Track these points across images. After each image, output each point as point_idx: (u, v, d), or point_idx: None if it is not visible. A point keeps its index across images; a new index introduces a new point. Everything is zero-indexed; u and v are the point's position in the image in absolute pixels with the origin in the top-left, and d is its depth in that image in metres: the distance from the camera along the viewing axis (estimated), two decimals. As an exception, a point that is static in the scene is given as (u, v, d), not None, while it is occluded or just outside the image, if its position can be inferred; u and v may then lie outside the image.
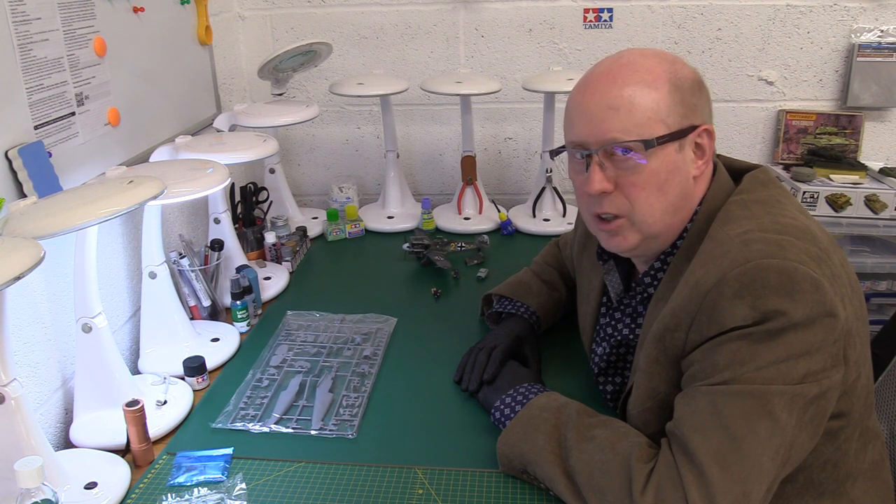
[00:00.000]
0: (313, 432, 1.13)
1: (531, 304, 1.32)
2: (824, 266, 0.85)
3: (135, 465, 1.07)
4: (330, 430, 1.13)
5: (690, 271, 0.89)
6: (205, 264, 1.46)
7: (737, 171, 1.01)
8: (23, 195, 1.08)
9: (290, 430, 1.14)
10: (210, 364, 1.29)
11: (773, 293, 0.82)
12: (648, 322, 0.99)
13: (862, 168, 1.94)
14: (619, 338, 1.10)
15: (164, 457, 1.08)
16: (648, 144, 0.92)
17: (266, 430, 1.14)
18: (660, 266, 1.01)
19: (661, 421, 0.92)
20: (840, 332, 0.84)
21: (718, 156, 1.02)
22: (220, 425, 1.15)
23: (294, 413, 1.18)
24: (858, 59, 1.94)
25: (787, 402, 0.82)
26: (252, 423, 1.15)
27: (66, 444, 1.16)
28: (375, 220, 1.98)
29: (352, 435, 1.12)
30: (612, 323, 1.12)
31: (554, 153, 1.06)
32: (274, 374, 1.29)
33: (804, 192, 1.86)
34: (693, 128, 0.94)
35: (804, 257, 0.84)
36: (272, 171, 1.94)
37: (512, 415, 1.06)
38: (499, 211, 1.95)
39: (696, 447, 0.82)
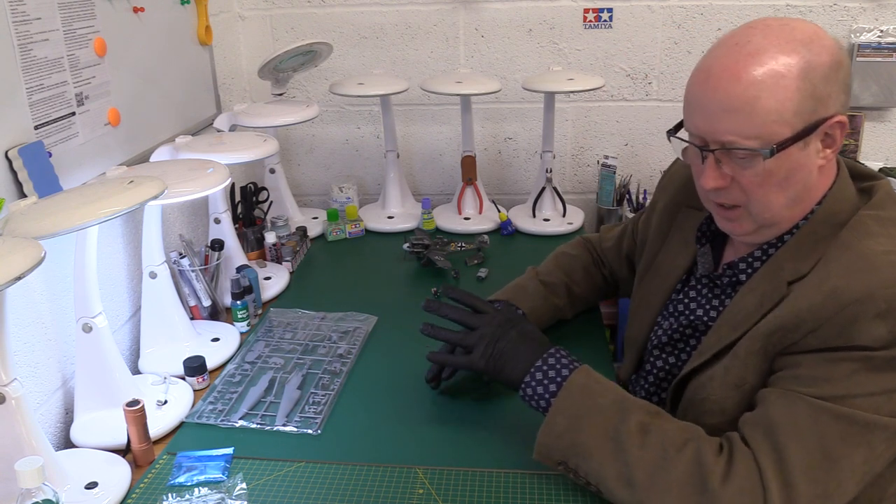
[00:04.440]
0: (276, 428, 1.14)
1: (522, 306, 1.31)
2: None
3: (135, 465, 1.07)
4: (294, 427, 1.14)
5: (824, 277, 0.88)
6: (205, 264, 1.46)
7: (858, 176, 0.99)
8: (23, 195, 1.08)
9: (255, 426, 1.14)
10: (210, 364, 1.29)
11: None
12: (733, 309, 0.98)
13: (862, 168, 1.94)
14: (690, 317, 1.08)
15: (164, 456, 1.08)
16: (767, 154, 0.89)
17: (234, 425, 1.15)
18: (759, 255, 1.00)
19: (740, 411, 0.92)
20: None
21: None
22: (190, 420, 1.16)
23: (261, 409, 1.19)
24: (858, 59, 1.94)
25: (889, 437, 0.83)
26: (218, 419, 1.16)
27: (67, 443, 1.16)
28: (375, 220, 1.98)
29: (315, 432, 1.13)
30: (686, 301, 1.10)
31: (672, 132, 1.01)
32: (247, 370, 1.30)
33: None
34: (823, 121, 0.89)
35: None
36: (272, 171, 1.94)
37: (547, 395, 0.99)
38: (499, 211, 1.95)
39: (791, 456, 0.82)
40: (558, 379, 0.99)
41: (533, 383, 1.01)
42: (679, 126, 1.00)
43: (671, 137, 1.02)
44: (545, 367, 1.01)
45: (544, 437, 0.96)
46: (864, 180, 0.99)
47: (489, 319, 1.09)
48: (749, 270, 1.01)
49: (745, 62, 0.89)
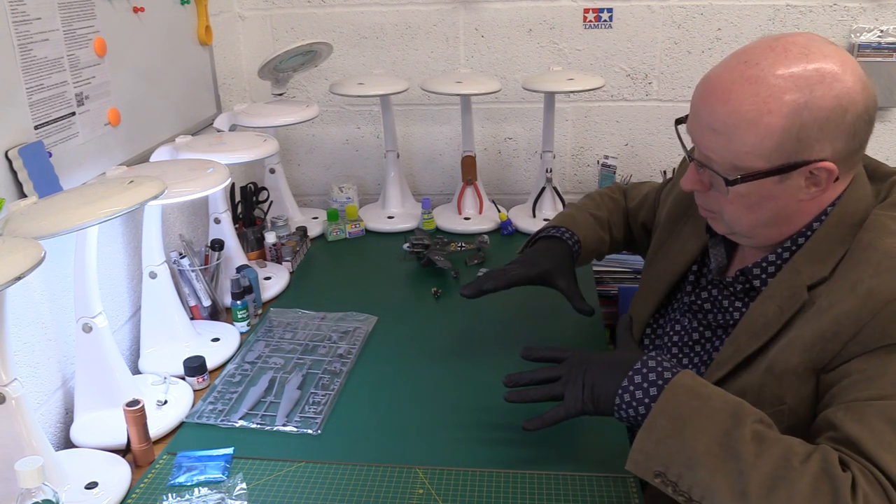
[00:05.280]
0: (276, 428, 1.14)
1: (578, 233, 1.29)
2: None
3: (135, 465, 1.07)
4: (294, 427, 1.14)
5: (856, 280, 0.86)
6: (205, 264, 1.46)
7: (878, 176, 0.99)
8: (23, 195, 1.08)
9: (255, 426, 1.15)
10: (210, 364, 1.29)
11: None
12: (752, 317, 0.96)
13: (862, 168, 1.94)
14: (708, 316, 1.07)
15: (164, 457, 1.08)
16: (731, 182, 0.90)
17: (234, 424, 1.15)
18: (774, 259, 0.98)
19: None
20: None
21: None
22: (190, 420, 1.17)
23: (261, 409, 1.19)
24: (858, 59, 1.94)
25: None
26: (218, 419, 1.16)
27: (67, 444, 1.16)
28: (375, 220, 1.98)
29: (315, 432, 1.13)
30: (699, 302, 1.09)
31: (679, 121, 1.01)
32: (247, 370, 1.30)
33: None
34: (805, 163, 0.88)
35: None
36: (272, 171, 1.94)
37: (647, 399, 0.89)
38: (499, 211, 1.95)
39: (890, 466, 0.78)
40: (660, 382, 0.89)
41: (631, 388, 0.90)
42: (685, 118, 1.00)
43: (677, 128, 1.02)
44: (645, 370, 0.91)
45: (643, 443, 0.86)
46: (882, 180, 0.98)
47: (569, 363, 1.01)
48: (763, 276, 0.99)
49: (739, 86, 0.87)
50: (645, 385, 0.90)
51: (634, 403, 0.90)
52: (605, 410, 0.94)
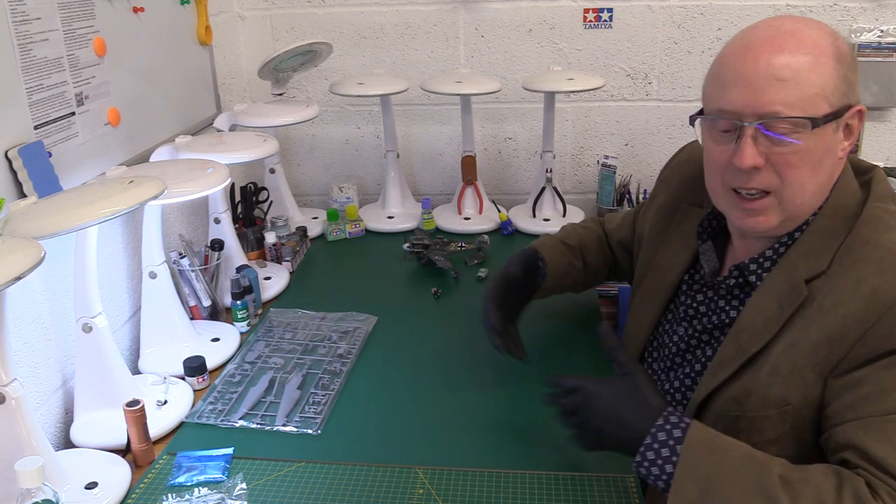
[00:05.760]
0: (276, 428, 1.14)
1: (544, 255, 1.30)
2: None
3: (135, 465, 1.07)
4: (294, 427, 1.14)
5: (859, 278, 0.86)
6: (205, 264, 1.46)
7: (857, 171, 0.99)
8: (23, 195, 1.08)
9: (255, 426, 1.15)
10: (210, 364, 1.29)
11: None
12: (751, 315, 0.95)
13: (862, 168, 1.94)
14: (703, 319, 1.06)
15: (164, 457, 1.08)
16: (815, 123, 0.87)
17: (234, 425, 1.15)
18: (771, 255, 0.97)
19: (777, 431, 0.88)
20: None
21: None
22: (190, 420, 1.17)
23: (261, 409, 1.19)
24: (858, 59, 1.94)
25: None
26: (218, 419, 1.17)
27: (67, 444, 1.16)
28: (375, 220, 1.98)
29: (315, 432, 1.13)
30: (694, 305, 1.08)
31: (694, 118, 0.98)
32: (247, 370, 1.30)
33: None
34: (849, 107, 0.91)
35: None
36: (272, 171, 1.94)
37: (668, 466, 0.85)
38: (499, 211, 1.95)
39: None
40: (675, 445, 0.86)
41: (650, 455, 0.87)
42: (700, 113, 0.97)
43: (695, 121, 0.98)
44: (659, 436, 0.87)
45: None
46: (864, 174, 0.99)
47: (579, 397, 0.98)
48: (759, 271, 0.98)
49: (785, 38, 0.89)
50: (662, 451, 0.86)
51: (660, 474, 0.86)
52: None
